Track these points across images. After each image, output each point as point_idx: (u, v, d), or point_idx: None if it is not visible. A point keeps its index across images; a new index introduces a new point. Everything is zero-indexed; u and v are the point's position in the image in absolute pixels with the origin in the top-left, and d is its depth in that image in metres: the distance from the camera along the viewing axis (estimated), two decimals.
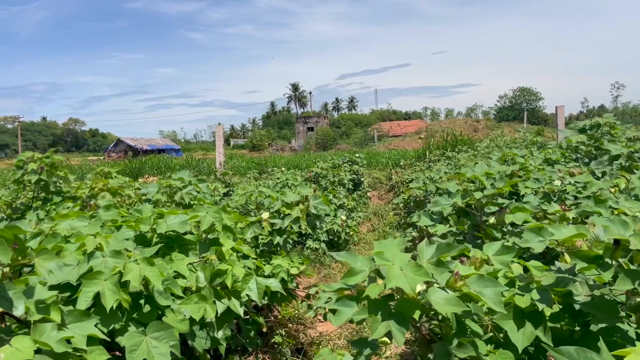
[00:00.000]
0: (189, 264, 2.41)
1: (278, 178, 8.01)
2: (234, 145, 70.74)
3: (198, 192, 4.14)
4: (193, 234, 2.63)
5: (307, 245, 6.63)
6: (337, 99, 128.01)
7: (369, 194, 13.20)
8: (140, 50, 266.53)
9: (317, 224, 3.67)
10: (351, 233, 7.00)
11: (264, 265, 2.87)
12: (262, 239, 3.66)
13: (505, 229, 2.91)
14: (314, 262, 6.53)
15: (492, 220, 3.02)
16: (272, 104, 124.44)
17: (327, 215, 7.10)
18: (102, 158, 59.82)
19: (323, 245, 6.68)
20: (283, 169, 12.04)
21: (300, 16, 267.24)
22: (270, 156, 26.74)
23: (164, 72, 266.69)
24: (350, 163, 10.20)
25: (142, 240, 2.49)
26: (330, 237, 6.82)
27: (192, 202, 3.99)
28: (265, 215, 3.57)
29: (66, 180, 4.90)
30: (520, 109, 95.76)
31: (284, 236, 3.52)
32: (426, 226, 3.16)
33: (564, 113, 16.30)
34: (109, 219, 2.60)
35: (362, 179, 10.55)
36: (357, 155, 10.39)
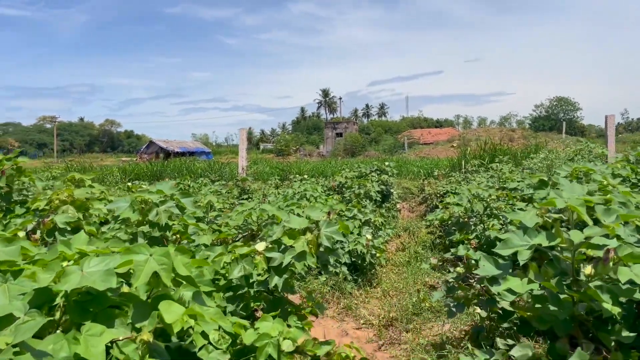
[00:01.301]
0: (112, 342, 1.48)
1: (293, 189, 7.09)
2: (264, 149, 70.54)
3: (183, 208, 3.22)
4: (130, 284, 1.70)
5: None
6: (367, 105, 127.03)
7: (398, 205, 12.15)
8: (177, 54, 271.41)
9: (331, 260, 2.70)
10: (377, 255, 6.00)
11: (244, 330, 1.92)
12: (258, 276, 2.73)
13: (613, 287, 1.89)
14: (332, 289, 5.56)
15: (587, 270, 2.00)
16: (302, 109, 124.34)
17: (350, 233, 6.13)
18: (134, 159, 60.51)
19: (344, 269, 5.70)
20: (305, 176, 11.12)
21: (334, 22, 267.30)
22: (295, 162, 25.87)
23: (198, 76, 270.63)
24: (378, 172, 9.19)
25: (44, 299, 1.58)
26: (353, 259, 5.84)
27: (170, 223, 3.08)
28: (260, 246, 2.63)
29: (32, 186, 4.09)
30: (557, 119, 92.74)
31: (285, 276, 2.56)
32: (488, 278, 2.16)
33: (614, 123, 14.96)
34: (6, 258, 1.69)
35: (392, 190, 9.52)
36: (386, 163, 9.38)
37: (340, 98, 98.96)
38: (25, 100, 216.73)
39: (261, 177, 16.89)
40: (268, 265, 2.57)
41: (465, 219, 4.78)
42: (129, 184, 8.32)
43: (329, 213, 3.04)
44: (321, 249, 2.66)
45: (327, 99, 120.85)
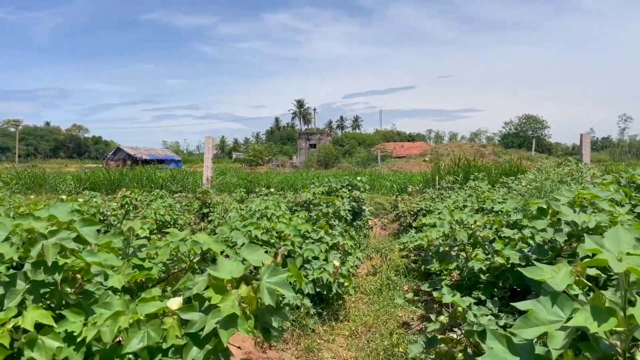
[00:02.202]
0: None
1: (253, 207, 6.32)
2: (236, 158, 69.52)
3: (84, 241, 2.42)
4: None
5: (284, 299, 4.91)
6: (341, 118, 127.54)
7: (370, 222, 11.49)
8: (151, 61, 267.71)
9: (275, 323, 1.94)
10: (346, 284, 5.28)
11: None
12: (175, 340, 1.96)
13: None
14: (292, 325, 4.80)
15: None
16: (277, 120, 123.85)
17: (315, 259, 5.41)
18: (100, 166, 58.59)
19: (307, 301, 4.95)
20: (272, 189, 10.35)
21: (311, 34, 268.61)
22: (266, 173, 25.05)
23: (172, 83, 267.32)
24: (349, 188, 8.50)
25: None
26: (318, 290, 5.10)
27: (63, 262, 2.28)
28: (174, 302, 1.86)
29: None
30: (526, 137, 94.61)
31: (208, 348, 1.79)
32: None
33: (589, 141, 14.72)
34: None
35: (364, 207, 8.85)
36: (358, 178, 8.70)
37: (314, 109, 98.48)
38: None
39: (227, 188, 16.02)
40: (181, 333, 1.80)
41: (446, 249, 4.11)
42: (63, 196, 7.40)
43: (275, 255, 2.30)
44: (262, 309, 1.91)
45: (302, 109, 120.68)
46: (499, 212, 5.24)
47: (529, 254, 3.24)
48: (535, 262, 2.03)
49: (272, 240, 5.22)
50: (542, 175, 5.79)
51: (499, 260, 4.08)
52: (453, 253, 4.12)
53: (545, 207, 3.17)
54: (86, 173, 16.74)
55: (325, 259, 5.43)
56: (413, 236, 6.50)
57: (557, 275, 1.47)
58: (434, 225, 6.63)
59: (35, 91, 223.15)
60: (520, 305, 1.49)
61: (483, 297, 4.34)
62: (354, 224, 8.63)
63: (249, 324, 1.83)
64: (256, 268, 2.13)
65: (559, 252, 3.20)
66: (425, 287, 4.70)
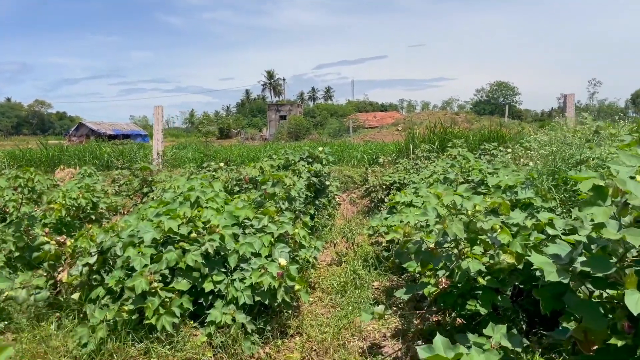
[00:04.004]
0: None
1: (177, 187, 4.90)
2: (205, 132, 67.41)
3: None
4: None
5: (209, 315, 3.57)
6: (313, 89, 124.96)
7: (338, 197, 10.18)
8: (115, 33, 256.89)
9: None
10: (297, 287, 3.95)
11: None
12: None
13: None
14: (219, 349, 3.47)
15: None
16: (247, 92, 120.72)
17: (256, 255, 4.06)
18: (63, 142, 55.70)
19: (240, 315, 3.62)
20: (222, 164, 8.88)
21: (280, 4, 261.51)
22: (227, 146, 23.40)
23: (138, 56, 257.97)
24: (309, 161, 7.12)
25: None
26: (258, 298, 3.76)
27: None
28: None
29: None
30: (497, 104, 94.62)
31: None
32: None
33: (573, 102, 13.84)
34: None
35: (328, 182, 7.50)
36: (320, 149, 7.29)
37: (284, 79, 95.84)
38: None
39: (181, 163, 14.45)
40: None
41: (432, 246, 2.80)
42: None
43: None
44: None
45: (272, 81, 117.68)
46: (496, 189, 3.95)
47: (577, 265, 1.94)
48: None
49: (193, 234, 3.83)
50: (558, 133, 4.50)
51: (506, 259, 2.81)
52: (442, 252, 2.81)
53: (602, 183, 1.86)
54: (21, 149, 14.88)
55: (270, 256, 4.08)
56: (385, 219, 5.19)
57: None
58: (410, 205, 5.35)
59: None
60: None
61: (482, 310, 3.08)
62: (316, 202, 7.30)
63: None
64: None
65: (622, 259, 1.93)
66: (400, 293, 3.42)
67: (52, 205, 5.56)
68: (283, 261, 3.91)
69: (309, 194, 6.98)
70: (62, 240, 4.15)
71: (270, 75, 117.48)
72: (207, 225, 3.92)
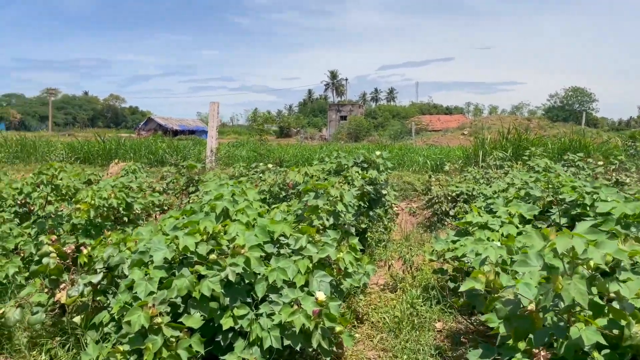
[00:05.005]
0: None
1: (205, 194, 4.22)
2: (260, 130, 68.53)
3: None
4: None
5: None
6: (376, 90, 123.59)
7: (396, 207, 9.24)
8: (186, 32, 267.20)
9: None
10: (338, 329, 3.14)
11: None
12: None
13: None
14: None
15: None
16: (310, 91, 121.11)
17: (289, 285, 3.28)
18: (133, 135, 58.17)
19: None
20: (270, 165, 8.21)
21: (346, 4, 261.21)
22: (284, 145, 22.92)
23: (207, 55, 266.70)
24: (363, 166, 6.27)
25: None
26: (287, 342, 2.98)
27: None
28: None
29: None
30: (572, 110, 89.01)
31: None
32: None
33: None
34: None
35: (384, 191, 6.62)
36: (377, 153, 6.42)
37: (346, 79, 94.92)
38: (33, 72, 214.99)
39: (235, 161, 14.01)
40: None
41: (534, 312, 1.90)
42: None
43: None
44: None
45: (335, 81, 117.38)
46: (605, 218, 2.93)
47: None
48: None
49: (213, 256, 3.10)
50: None
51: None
52: (549, 319, 1.90)
53: None
54: (79, 142, 15.04)
55: (306, 285, 3.29)
56: (453, 242, 4.26)
57: None
58: (485, 227, 4.39)
59: (75, 61, 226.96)
60: None
61: None
62: (370, 213, 6.44)
63: None
64: None
65: None
66: (474, 358, 2.51)
67: (78, 206, 5.06)
68: (321, 295, 3.10)
69: (362, 204, 6.13)
70: (70, 250, 3.56)
71: (333, 75, 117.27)
72: (231, 245, 3.18)
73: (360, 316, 4.37)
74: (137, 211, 6.12)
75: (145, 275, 2.95)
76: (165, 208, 8.70)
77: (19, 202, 5.48)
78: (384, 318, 4.17)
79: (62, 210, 5.33)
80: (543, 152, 9.98)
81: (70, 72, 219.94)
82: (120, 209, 5.77)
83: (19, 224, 5.56)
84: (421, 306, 4.21)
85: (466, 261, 3.82)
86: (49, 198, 5.22)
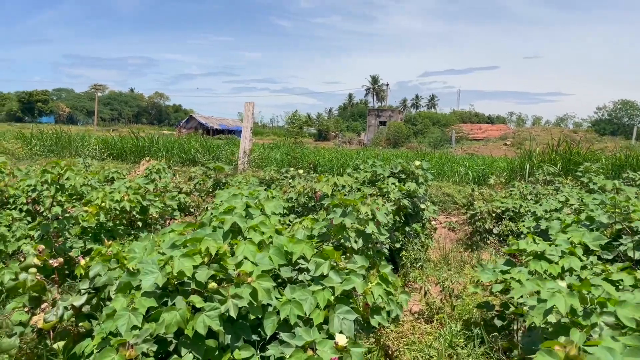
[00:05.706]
0: None
1: (220, 203, 3.72)
2: (296, 133, 69.06)
3: None
4: None
5: None
6: (416, 96, 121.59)
7: (434, 221, 8.54)
8: (230, 34, 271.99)
9: None
10: None
11: None
12: None
13: None
14: None
15: None
16: (350, 96, 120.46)
17: (305, 321, 2.73)
18: (174, 133, 59.18)
19: None
20: (300, 171, 7.69)
21: (389, 9, 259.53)
22: (320, 149, 22.38)
23: (250, 56, 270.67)
24: (401, 177, 5.66)
25: None
26: None
27: None
28: None
29: None
30: (620, 124, 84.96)
31: None
32: None
33: None
34: None
35: (423, 205, 5.99)
36: (416, 163, 5.80)
37: (387, 85, 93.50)
38: (83, 69, 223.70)
39: (268, 164, 13.58)
40: None
41: None
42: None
43: None
44: None
45: (376, 86, 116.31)
46: None
47: None
48: None
49: (212, 284, 2.58)
50: None
51: None
52: None
53: None
54: (113, 138, 14.98)
55: (326, 322, 2.73)
56: (502, 272, 3.61)
57: None
58: (541, 257, 3.73)
59: (124, 59, 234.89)
60: None
61: None
62: (406, 229, 5.83)
63: None
64: None
65: None
66: None
67: (86, 208, 4.67)
68: (342, 340, 2.53)
69: (398, 219, 5.53)
70: (58, 263, 3.12)
71: (374, 80, 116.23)
72: (237, 271, 2.66)
73: (390, 352, 3.78)
74: (154, 215, 5.71)
75: (129, 304, 2.45)
76: (192, 210, 8.33)
77: (29, 199, 5.16)
78: (418, 358, 3.56)
79: (69, 212, 4.95)
80: (600, 168, 9.07)
81: (118, 70, 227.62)
82: (134, 212, 5.36)
83: (29, 222, 5.25)
84: (462, 348, 3.58)
85: (520, 301, 3.17)
86: (59, 198, 4.85)
